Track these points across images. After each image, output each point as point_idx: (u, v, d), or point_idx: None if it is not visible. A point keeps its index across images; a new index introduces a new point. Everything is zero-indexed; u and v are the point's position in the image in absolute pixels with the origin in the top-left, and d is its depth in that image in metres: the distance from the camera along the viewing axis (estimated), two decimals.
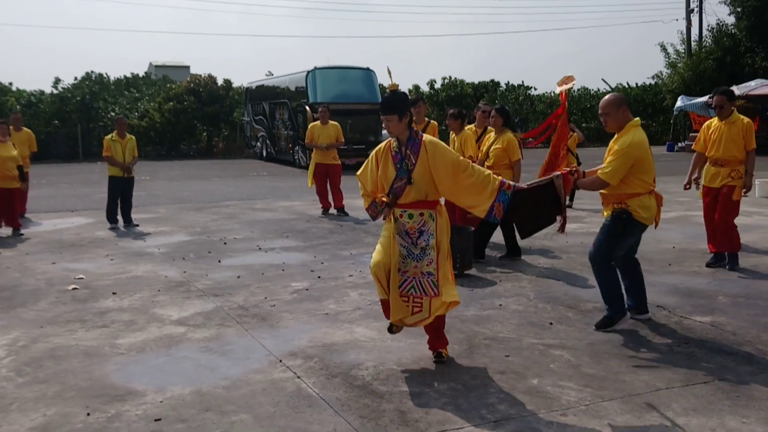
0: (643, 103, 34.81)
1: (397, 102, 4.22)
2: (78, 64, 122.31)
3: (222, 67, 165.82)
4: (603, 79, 59.21)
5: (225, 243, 8.87)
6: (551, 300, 5.87)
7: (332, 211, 11.40)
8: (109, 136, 10.28)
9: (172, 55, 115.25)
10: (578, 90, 36.68)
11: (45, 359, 4.62)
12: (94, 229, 10.14)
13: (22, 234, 9.67)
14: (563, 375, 4.18)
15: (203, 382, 4.15)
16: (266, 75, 28.74)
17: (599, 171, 4.85)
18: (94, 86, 30.34)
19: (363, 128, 20.54)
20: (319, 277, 6.88)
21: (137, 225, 10.30)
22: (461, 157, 4.28)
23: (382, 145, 4.38)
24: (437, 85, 34.31)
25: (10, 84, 30.85)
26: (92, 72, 32.79)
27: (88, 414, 3.72)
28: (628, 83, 36.60)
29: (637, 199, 4.82)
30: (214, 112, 29.44)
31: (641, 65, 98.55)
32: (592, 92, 37.14)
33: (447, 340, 4.50)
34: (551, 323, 5.21)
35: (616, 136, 4.91)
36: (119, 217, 10.31)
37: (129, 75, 34.61)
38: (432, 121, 9.10)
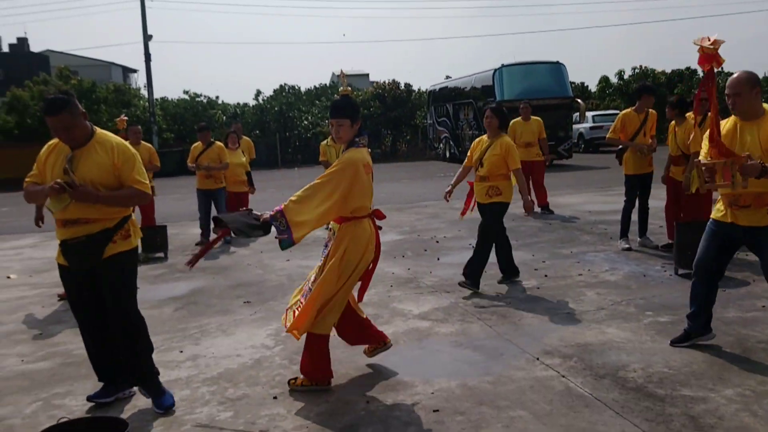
0: None
1: (350, 106, 4.04)
2: (264, 78, 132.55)
3: (397, 73, 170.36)
4: None
5: (437, 241, 9.03)
6: None
7: (536, 209, 11.19)
8: (325, 141, 10.89)
9: (351, 64, 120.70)
10: None
11: None
12: None
13: None
14: None
15: (467, 375, 4.21)
16: (445, 78, 29.02)
17: None
18: (289, 97, 32.49)
19: (553, 123, 19.82)
20: (545, 275, 6.76)
21: None
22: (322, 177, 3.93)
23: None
24: (626, 75, 32.63)
25: (217, 98, 33.96)
26: (285, 84, 35.13)
27: (368, 402, 3.92)
28: None
29: None
30: (398, 116, 30.28)
31: None
32: None
33: (312, 368, 4.13)
34: None
35: (755, 123, 3.95)
36: None
37: (318, 85, 36.62)
38: (652, 111, 8.57)
